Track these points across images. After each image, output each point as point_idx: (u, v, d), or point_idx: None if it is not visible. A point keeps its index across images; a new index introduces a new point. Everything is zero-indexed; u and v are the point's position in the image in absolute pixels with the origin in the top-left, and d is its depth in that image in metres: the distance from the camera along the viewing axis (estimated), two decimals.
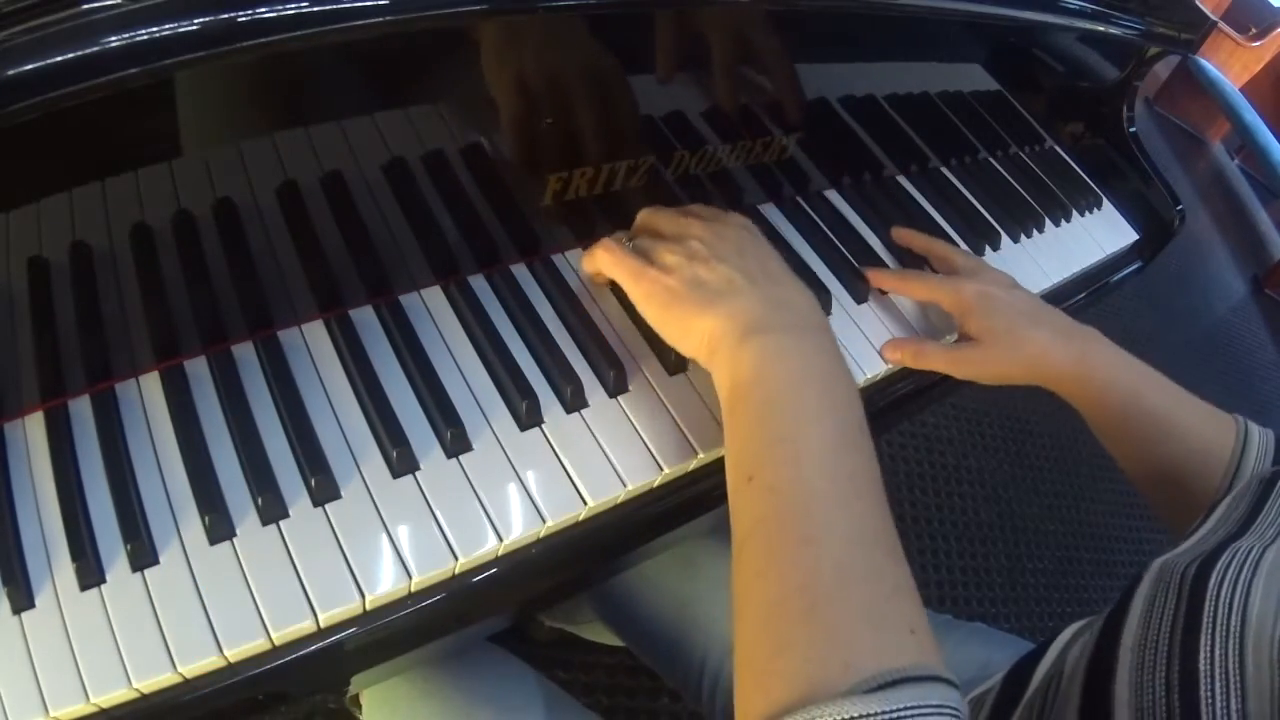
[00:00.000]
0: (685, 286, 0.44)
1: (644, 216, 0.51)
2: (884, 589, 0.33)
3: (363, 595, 0.38)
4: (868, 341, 0.57)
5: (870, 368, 0.56)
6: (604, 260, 0.47)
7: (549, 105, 0.45)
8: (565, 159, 0.49)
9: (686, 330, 0.44)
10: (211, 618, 0.36)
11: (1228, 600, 0.32)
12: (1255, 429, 0.53)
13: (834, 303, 0.58)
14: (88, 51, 0.28)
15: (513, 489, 0.43)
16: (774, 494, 0.36)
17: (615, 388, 0.48)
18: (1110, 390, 0.54)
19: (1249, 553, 0.35)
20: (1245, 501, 0.42)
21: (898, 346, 0.57)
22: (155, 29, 0.29)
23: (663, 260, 0.45)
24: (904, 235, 0.65)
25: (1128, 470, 0.56)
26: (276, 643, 0.37)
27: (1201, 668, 0.31)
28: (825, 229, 0.63)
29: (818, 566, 0.33)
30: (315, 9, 0.32)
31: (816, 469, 0.36)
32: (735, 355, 0.41)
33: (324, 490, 0.40)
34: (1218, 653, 0.31)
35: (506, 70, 0.43)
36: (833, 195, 0.67)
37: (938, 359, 0.55)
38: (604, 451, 0.46)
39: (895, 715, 0.28)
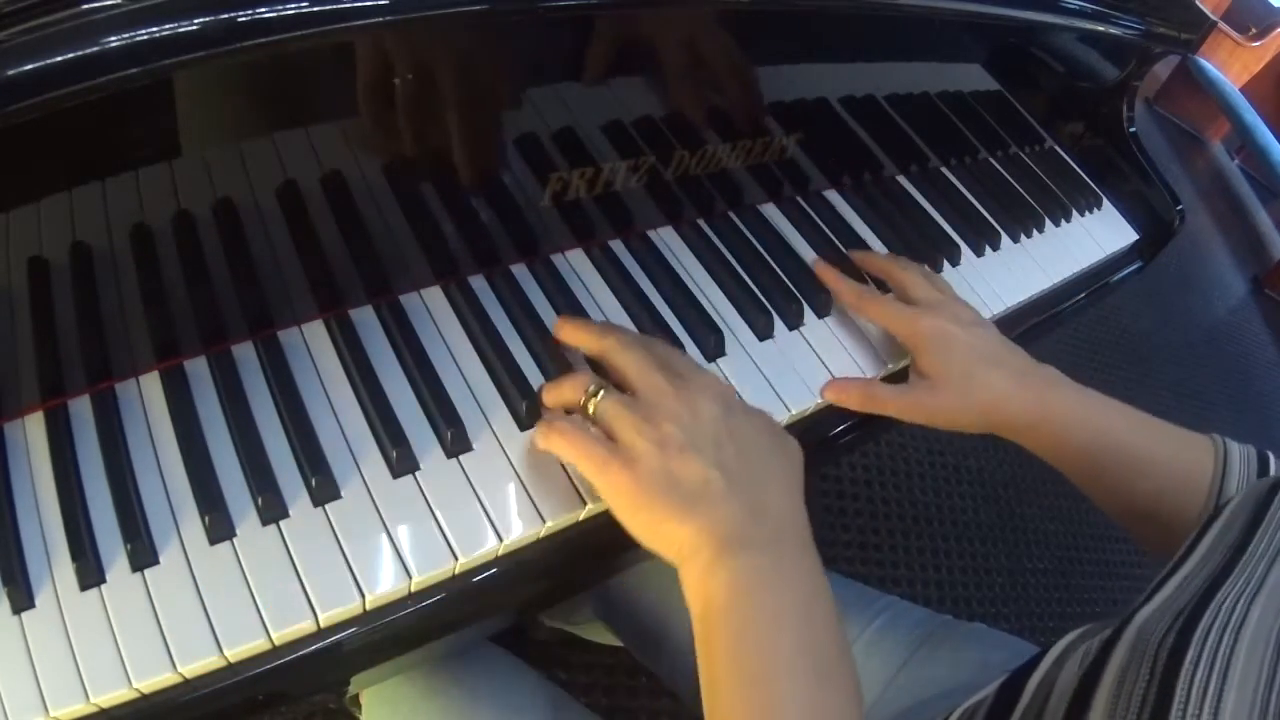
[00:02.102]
0: (656, 485, 0.39)
1: (609, 352, 0.45)
2: None
3: (363, 595, 0.38)
4: (868, 342, 0.57)
5: (871, 368, 0.56)
6: (561, 447, 0.42)
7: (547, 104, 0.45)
8: (565, 160, 0.49)
9: (655, 533, 0.40)
10: (211, 618, 0.36)
11: (1202, 686, 0.29)
12: (1235, 448, 0.50)
13: (831, 305, 0.58)
14: (88, 51, 0.28)
15: (513, 489, 0.43)
16: None
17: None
18: (1072, 431, 0.50)
19: (1233, 610, 0.32)
20: (1239, 523, 0.39)
21: (843, 388, 0.52)
22: (155, 29, 0.29)
23: (631, 446, 0.40)
24: (862, 259, 0.61)
25: (1106, 510, 0.52)
26: (276, 643, 0.37)
27: None
28: (825, 229, 0.63)
29: None
30: (315, 9, 0.32)
31: (792, 715, 0.35)
32: (707, 576, 0.38)
33: (324, 490, 0.40)
34: None
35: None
36: (832, 195, 0.67)
37: (888, 402, 0.51)
38: None
39: None
